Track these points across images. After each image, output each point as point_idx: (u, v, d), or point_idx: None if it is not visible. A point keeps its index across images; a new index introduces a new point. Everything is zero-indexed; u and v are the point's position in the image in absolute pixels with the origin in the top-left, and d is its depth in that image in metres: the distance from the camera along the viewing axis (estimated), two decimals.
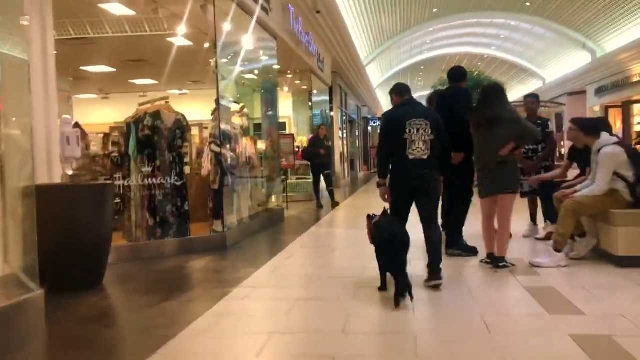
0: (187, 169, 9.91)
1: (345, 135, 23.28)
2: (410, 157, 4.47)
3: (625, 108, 23.25)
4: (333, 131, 19.31)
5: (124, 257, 6.08)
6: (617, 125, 25.38)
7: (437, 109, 5.68)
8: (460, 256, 5.64)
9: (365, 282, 4.71)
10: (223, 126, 7.55)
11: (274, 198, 10.45)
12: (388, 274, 4.27)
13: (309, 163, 12.03)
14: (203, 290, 4.83)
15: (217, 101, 7.20)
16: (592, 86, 25.02)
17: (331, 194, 11.63)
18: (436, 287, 4.36)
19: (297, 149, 14.35)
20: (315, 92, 15.95)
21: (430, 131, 4.52)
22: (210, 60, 7.63)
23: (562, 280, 4.67)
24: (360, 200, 13.70)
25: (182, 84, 14.48)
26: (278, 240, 7.66)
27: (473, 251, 5.71)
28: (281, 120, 15.16)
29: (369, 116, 35.47)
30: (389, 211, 4.58)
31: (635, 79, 21.18)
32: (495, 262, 4.94)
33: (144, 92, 14.49)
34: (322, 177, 11.54)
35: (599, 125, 5.50)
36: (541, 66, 31.90)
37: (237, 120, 8.49)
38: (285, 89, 15.63)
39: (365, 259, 5.16)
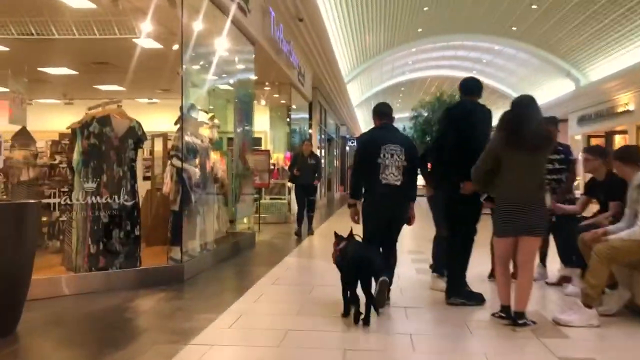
0: (147, 185, 9.02)
1: (323, 154, 22.34)
2: (383, 181, 4.50)
3: (609, 138, 22.87)
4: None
5: (57, 291, 4.98)
6: None
7: (445, 127, 4.79)
8: (463, 305, 4.68)
9: (350, 340, 3.71)
10: (188, 138, 6.52)
11: (245, 220, 9.40)
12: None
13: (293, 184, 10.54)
14: (144, 345, 3.74)
15: (182, 108, 6.17)
16: (575, 114, 24.63)
17: (310, 220, 10.27)
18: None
19: (272, 167, 13.36)
20: (294, 107, 14.99)
21: (404, 157, 4.53)
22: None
23: (599, 347, 3.74)
24: (338, 224, 12.68)
25: (152, 92, 13.40)
26: (246, 273, 6.59)
27: (478, 299, 4.77)
28: (257, 136, 14.18)
29: (347, 136, 34.65)
30: (356, 234, 4.56)
31: (619, 109, 20.78)
32: (514, 318, 3.98)
33: (111, 98, 13.49)
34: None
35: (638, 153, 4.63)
36: (522, 92, 31.62)
37: (205, 132, 7.45)
38: (263, 102, 14.66)
39: None
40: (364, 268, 4.07)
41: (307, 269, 6.78)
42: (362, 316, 4.02)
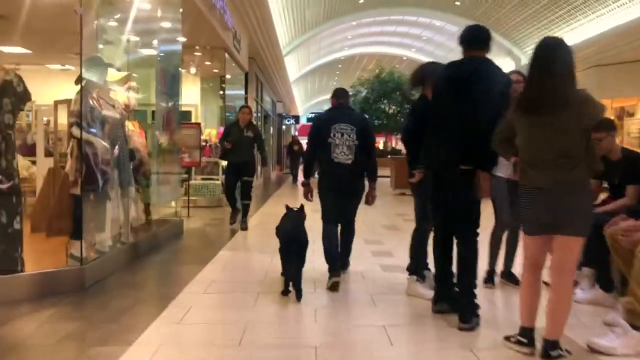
0: (50, 162, 7.41)
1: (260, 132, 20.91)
2: (335, 160, 4.60)
3: None
4: None
5: None
6: None
7: (439, 93, 3.67)
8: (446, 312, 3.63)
9: None
10: (93, 102, 5.05)
11: (172, 204, 7.94)
12: None
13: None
14: None
15: (82, 62, 4.66)
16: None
17: (245, 209, 7.90)
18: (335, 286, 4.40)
19: (204, 143, 11.87)
20: (228, 77, 13.46)
21: (355, 137, 4.60)
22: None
23: None
24: (277, 208, 11.42)
25: (64, 57, 11.49)
26: (170, 276, 5.23)
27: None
28: (186, 109, 12.61)
29: (284, 113, 33.23)
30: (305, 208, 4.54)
31: None
32: (545, 348, 2.87)
33: (16, 63, 11.49)
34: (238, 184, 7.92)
35: None
36: None
37: (120, 97, 5.96)
38: (193, 70, 13.03)
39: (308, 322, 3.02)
40: (288, 243, 4.17)
41: (247, 268, 5.44)
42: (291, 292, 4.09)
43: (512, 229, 4.57)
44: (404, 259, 4.49)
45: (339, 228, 4.81)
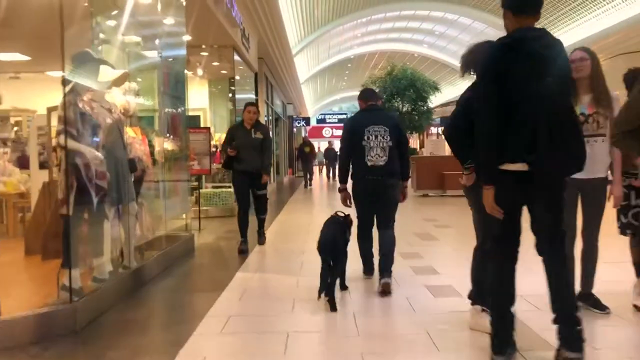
0: (45, 175, 6.70)
1: (271, 135, 20.14)
2: (369, 163, 4.52)
3: None
4: None
5: None
6: None
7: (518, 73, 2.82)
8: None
9: None
10: (82, 105, 4.30)
11: (182, 216, 7.17)
12: None
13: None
14: None
15: (64, 56, 3.90)
16: None
17: (261, 223, 6.83)
18: (386, 289, 4.33)
19: (214, 149, 11.13)
20: (237, 78, 12.70)
21: (389, 138, 4.53)
22: None
23: None
24: (295, 216, 10.65)
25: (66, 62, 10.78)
26: (179, 309, 4.41)
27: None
28: (193, 113, 11.87)
29: (294, 115, 32.45)
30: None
31: None
32: None
33: (15, 72, 10.81)
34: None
35: None
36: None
37: (118, 99, 5.19)
38: (200, 72, 12.29)
39: None
40: (326, 249, 4.08)
41: (270, 296, 4.57)
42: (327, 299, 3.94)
43: (591, 242, 3.74)
44: (452, 277, 3.70)
45: (376, 236, 4.68)
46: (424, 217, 9.26)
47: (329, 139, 30.86)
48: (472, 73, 3.52)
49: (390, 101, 27.90)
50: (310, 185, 19.56)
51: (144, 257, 5.53)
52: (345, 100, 52.77)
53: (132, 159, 5.41)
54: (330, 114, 54.06)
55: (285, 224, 9.19)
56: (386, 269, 4.44)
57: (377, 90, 27.82)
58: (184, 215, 7.18)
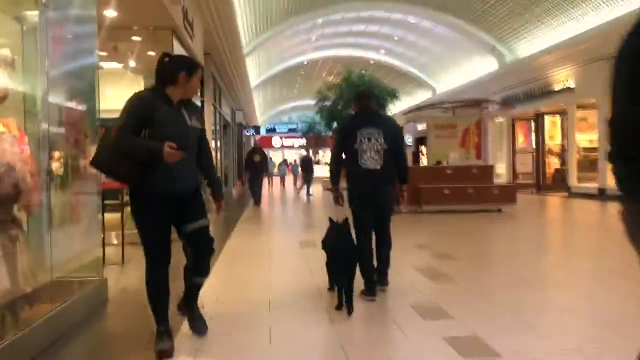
0: None
1: (220, 144, 18.01)
2: (363, 167, 4.45)
3: (538, 120, 20.78)
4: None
5: None
6: (520, 140, 23.21)
7: None
8: None
9: None
10: None
11: (85, 253, 4.99)
12: None
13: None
14: None
15: None
16: (499, 95, 22.28)
17: (193, 293, 3.61)
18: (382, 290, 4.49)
19: None
20: None
21: (383, 140, 4.45)
22: None
23: None
24: (256, 239, 8.64)
25: None
26: None
27: None
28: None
29: (244, 123, 30.33)
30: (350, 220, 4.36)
31: (556, 87, 18.52)
32: None
33: None
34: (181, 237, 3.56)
35: None
36: (434, 74, 29.11)
37: None
38: (132, 63, 10.11)
39: None
40: (337, 257, 4.04)
41: None
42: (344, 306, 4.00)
43: None
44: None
45: (374, 241, 4.62)
46: (415, 243, 7.46)
47: (304, 147, 28.91)
48: None
49: (347, 108, 26.36)
50: (259, 202, 15.67)
51: (19, 323, 3.45)
52: (297, 110, 51.02)
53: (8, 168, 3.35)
54: (280, 124, 52.25)
55: (240, 253, 7.19)
56: (383, 273, 4.58)
57: (333, 97, 26.40)
58: (84, 256, 5.07)
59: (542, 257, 6.80)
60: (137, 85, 11.45)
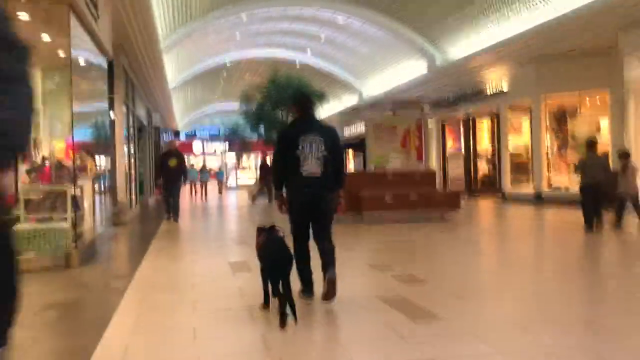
0: None
1: (134, 150, 16.19)
2: (304, 173, 4.40)
3: (468, 124, 20.48)
4: (114, 141, 12.31)
5: None
6: (449, 145, 22.97)
7: None
8: None
9: None
10: None
11: None
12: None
13: None
14: None
15: None
16: (427, 99, 21.79)
17: None
18: (331, 289, 4.30)
19: (39, 162, 7.38)
20: (81, 60, 8.86)
21: (323, 147, 4.43)
22: None
23: None
24: (175, 266, 7.17)
25: None
26: None
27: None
28: None
29: (161, 126, 28.26)
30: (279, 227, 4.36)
31: (488, 91, 18.19)
32: None
33: None
34: None
35: None
36: (361, 76, 28.43)
37: None
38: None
39: None
40: (278, 268, 3.97)
41: None
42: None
43: None
44: None
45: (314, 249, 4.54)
46: (368, 263, 6.29)
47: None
48: None
49: (275, 110, 25.09)
50: (177, 217, 12.54)
51: None
52: (220, 114, 49.05)
53: None
54: (202, 129, 50.05)
55: (163, 280, 5.72)
56: (330, 264, 4.37)
57: (259, 99, 25.00)
58: None
59: (531, 275, 5.84)
60: (35, 84, 9.64)
